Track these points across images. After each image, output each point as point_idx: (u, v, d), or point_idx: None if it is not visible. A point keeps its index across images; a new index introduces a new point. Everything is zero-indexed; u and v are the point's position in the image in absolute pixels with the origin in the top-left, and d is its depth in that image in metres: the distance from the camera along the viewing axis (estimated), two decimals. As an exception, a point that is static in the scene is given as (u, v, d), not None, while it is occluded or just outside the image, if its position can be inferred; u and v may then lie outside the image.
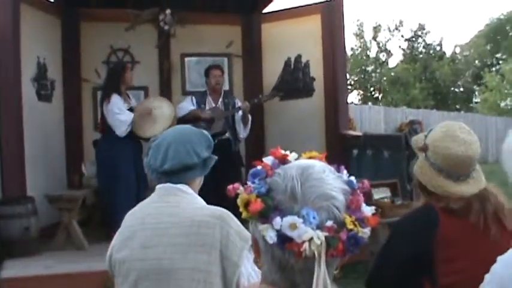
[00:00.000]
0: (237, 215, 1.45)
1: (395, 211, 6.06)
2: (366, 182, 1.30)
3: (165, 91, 8.64)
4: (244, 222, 1.37)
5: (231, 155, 7.34)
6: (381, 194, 6.47)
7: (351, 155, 7.78)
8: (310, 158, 1.35)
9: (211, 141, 2.42)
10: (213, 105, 7.55)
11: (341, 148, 7.88)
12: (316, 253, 1.15)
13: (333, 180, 1.25)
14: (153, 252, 2.16)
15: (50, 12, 7.85)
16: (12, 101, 6.59)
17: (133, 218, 2.33)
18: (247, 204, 1.23)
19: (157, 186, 2.35)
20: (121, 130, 6.79)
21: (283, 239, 1.17)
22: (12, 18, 6.59)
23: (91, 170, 7.26)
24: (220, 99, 7.62)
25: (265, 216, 1.20)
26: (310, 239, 1.16)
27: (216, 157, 2.41)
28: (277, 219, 1.18)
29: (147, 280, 2.16)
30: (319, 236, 1.16)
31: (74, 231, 6.64)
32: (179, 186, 2.30)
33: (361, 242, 1.20)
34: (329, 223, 1.18)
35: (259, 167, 1.29)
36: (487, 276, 1.85)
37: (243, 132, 7.62)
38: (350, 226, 1.19)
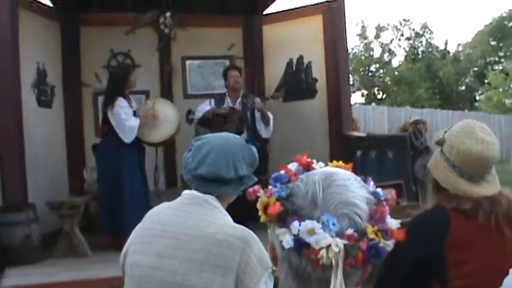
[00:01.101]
0: (253, 217, 1.41)
1: (400, 212, 5.99)
2: (393, 194, 1.24)
3: (166, 95, 8.58)
4: (262, 228, 1.31)
5: None
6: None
7: (355, 156, 7.72)
8: (336, 166, 1.30)
9: (256, 159, 2.30)
10: (231, 105, 7.50)
11: (345, 149, 7.82)
12: (333, 261, 1.10)
13: (357, 189, 1.20)
14: (168, 263, 2.07)
15: (49, 17, 7.79)
16: (12, 107, 6.53)
17: (153, 220, 2.23)
18: (266, 208, 1.20)
19: (184, 192, 2.25)
20: (129, 137, 6.68)
21: (300, 245, 1.13)
22: (11, 23, 6.53)
23: (92, 176, 7.20)
24: (239, 100, 7.56)
25: (283, 220, 1.17)
26: (328, 246, 1.11)
27: (256, 179, 2.26)
28: (295, 223, 1.14)
29: None
30: (338, 244, 1.11)
31: (76, 238, 6.58)
32: (207, 197, 2.19)
33: (383, 253, 1.14)
34: (349, 231, 1.13)
35: (282, 172, 1.26)
36: (505, 282, 1.78)
37: (265, 132, 7.52)
38: (371, 235, 1.14)
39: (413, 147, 6.94)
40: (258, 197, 1.24)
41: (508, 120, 24.66)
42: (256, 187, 1.27)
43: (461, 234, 2.28)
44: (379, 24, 37.52)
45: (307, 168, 1.27)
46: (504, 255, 2.26)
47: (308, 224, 1.13)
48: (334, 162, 1.32)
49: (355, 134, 8.33)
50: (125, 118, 6.64)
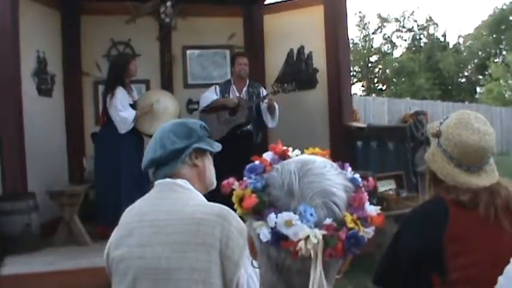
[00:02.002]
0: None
1: (400, 203, 6.00)
2: (371, 180, 1.21)
3: (167, 84, 8.57)
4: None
5: (252, 147, 7.15)
6: (386, 186, 6.41)
7: (355, 147, 7.72)
8: (312, 154, 1.26)
9: (191, 128, 2.32)
10: (237, 94, 7.45)
11: (345, 140, 7.82)
12: (312, 253, 1.07)
13: (334, 176, 1.16)
14: (151, 250, 2.09)
15: (49, 6, 7.77)
16: (12, 96, 6.52)
17: (131, 214, 2.26)
18: (241, 200, 1.16)
19: (156, 182, 2.29)
20: (123, 128, 6.70)
21: (278, 237, 1.09)
22: (11, 11, 6.51)
23: (92, 165, 7.20)
24: (245, 88, 7.51)
25: (259, 213, 1.13)
26: (307, 238, 1.07)
27: (208, 146, 2.34)
28: (272, 215, 1.10)
29: (145, 279, 2.09)
30: (316, 235, 1.07)
31: (75, 227, 6.59)
32: (178, 181, 2.23)
33: (362, 241, 1.11)
34: (328, 221, 1.10)
35: (257, 162, 1.21)
36: (500, 279, 1.78)
37: (271, 122, 7.49)
38: (350, 224, 1.11)
39: (414, 139, 6.93)
40: (233, 190, 1.20)
41: (509, 112, 24.63)
42: (231, 179, 1.22)
43: (460, 225, 2.27)
44: (380, 15, 37.41)
45: (283, 157, 1.24)
46: (503, 247, 2.26)
47: (285, 215, 1.09)
48: (311, 149, 1.28)
49: (356, 124, 8.32)
50: (121, 109, 6.66)
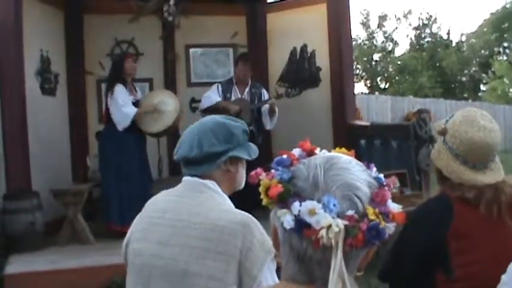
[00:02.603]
0: (257, 205, 1.39)
1: (404, 201, 5.99)
2: (394, 179, 1.24)
3: (170, 83, 8.59)
4: (267, 217, 1.30)
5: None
6: (390, 184, 6.39)
7: (359, 145, 7.71)
8: (339, 153, 1.31)
9: (232, 134, 2.22)
10: (239, 95, 7.43)
11: (348, 138, 7.81)
12: (333, 242, 1.10)
13: (358, 172, 1.21)
14: (170, 251, 2.06)
15: (52, 5, 7.77)
16: (16, 95, 6.52)
17: (154, 208, 2.22)
18: (267, 190, 1.20)
19: (184, 178, 2.23)
20: (122, 124, 6.72)
21: (301, 225, 1.13)
22: (15, 10, 6.50)
23: (96, 163, 7.21)
24: (247, 89, 7.49)
25: (284, 201, 1.17)
26: (329, 227, 1.11)
27: (247, 154, 2.26)
28: (296, 203, 1.14)
29: (161, 280, 2.07)
30: (338, 224, 1.11)
31: (79, 225, 6.60)
32: (207, 182, 2.17)
33: (383, 235, 1.14)
34: (350, 212, 1.13)
35: (284, 156, 1.26)
36: (503, 277, 1.78)
37: (269, 124, 7.51)
38: (372, 217, 1.14)
39: (417, 137, 6.91)
40: (260, 181, 1.24)
41: (512, 110, 24.56)
42: (259, 170, 1.28)
43: (464, 222, 2.27)
44: (383, 12, 37.37)
45: (310, 154, 1.28)
46: (507, 245, 2.26)
47: (309, 204, 1.13)
48: (337, 149, 1.32)
49: (359, 123, 8.32)
50: (122, 104, 6.68)
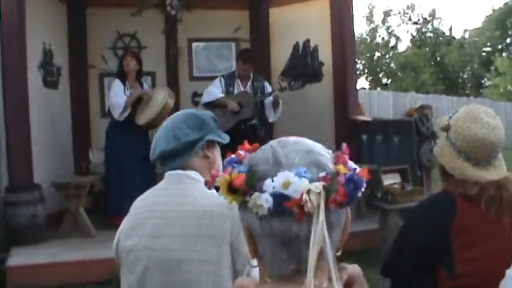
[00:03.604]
0: None
1: (405, 197, 6.00)
2: (345, 146, 1.22)
3: (172, 76, 8.60)
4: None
5: (258, 141, 7.11)
6: (391, 179, 6.39)
7: (361, 140, 7.72)
8: None
9: (204, 120, 2.30)
10: (242, 88, 7.40)
11: (350, 133, 7.82)
12: (315, 204, 1.06)
13: (311, 142, 1.20)
14: (162, 242, 2.10)
15: (55, -2, 7.77)
16: (19, 88, 6.52)
17: (142, 204, 2.26)
18: (230, 184, 1.14)
19: (166, 173, 2.28)
20: (116, 113, 6.87)
21: (280, 199, 1.07)
22: (18, 4, 6.50)
23: (98, 157, 7.22)
24: (249, 83, 7.45)
25: (252, 187, 1.11)
26: (308, 191, 1.07)
27: (220, 137, 2.34)
28: (268, 181, 1.09)
29: (156, 270, 2.10)
30: (317, 186, 1.07)
31: (81, 218, 6.61)
32: (189, 172, 2.23)
33: (361, 185, 1.12)
34: (322, 174, 1.10)
35: (232, 156, 1.22)
36: (508, 272, 1.78)
37: (273, 117, 7.46)
38: (344, 171, 1.12)
39: (419, 133, 6.90)
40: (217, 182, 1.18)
41: (514, 107, 24.53)
42: (214, 172, 1.22)
43: (467, 219, 2.27)
44: (388, 7, 37.31)
45: (253, 152, 1.24)
46: (510, 241, 2.26)
47: (280, 177, 1.08)
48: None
49: (361, 118, 8.32)
50: (113, 96, 6.90)
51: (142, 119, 6.82)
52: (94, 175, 7.20)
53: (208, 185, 1.26)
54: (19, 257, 5.78)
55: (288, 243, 1.12)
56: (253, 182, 1.12)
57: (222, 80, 7.39)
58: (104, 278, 5.40)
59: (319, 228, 1.06)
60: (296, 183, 1.07)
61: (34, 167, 6.66)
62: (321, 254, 1.07)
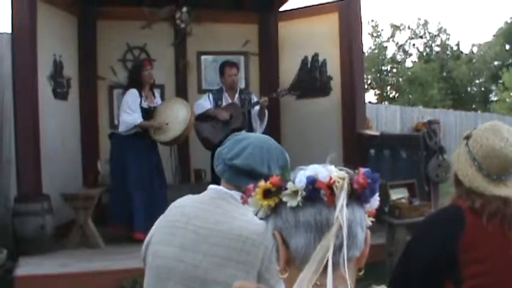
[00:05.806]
0: None
1: (413, 212, 6.00)
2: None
3: (181, 89, 8.63)
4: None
5: None
6: (399, 194, 6.39)
7: (368, 155, 7.71)
8: None
9: (287, 164, 2.22)
10: (230, 101, 7.47)
11: (358, 148, 7.83)
12: (340, 185, 1.19)
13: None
14: (192, 257, 2.07)
15: (66, 10, 7.83)
16: (29, 98, 6.57)
17: (178, 212, 2.22)
18: (266, 190, 1.28)
19: (210, 187, 2.24)
20: (123, 129, 6.85)
21: (311, 180, 1.20)
22: (29, 15, 6.57)
23: (106, 168, 7.25)
24: (237, 95, 7.51)
25: (287, 181, 1.24)
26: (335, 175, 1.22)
27: None
28: (300, 172, 1.24)
29: (179, 284, 2.07)
30: (342, 171, 1.24)
31: (89, 230, 6.62)
32: (233, 193, 2.16)
33: (377, 179, 1.25)
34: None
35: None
36: None
37: (259, 128, 7.50)
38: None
39: (427, 147, 6.90)
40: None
41: (522, 122, 24.48)
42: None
43: (475, 234, 2.27)
44: (395, 24, 37.32)
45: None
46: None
47: (311, 168, 1.25)
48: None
49: (369, 132, 8.32)
50: (127, 111, 6.81)
51: (166, 136, 6.87)
52: (102, 186, 7.22)
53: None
54: (27, 267, 5.79)
55: (320, 229, 1.20)
56: (288, 177, 1.25)
57: (210, 95, 7.50)
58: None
59: (343, 210, 1.18)
60: (323, 172, 1.22)
61: (43, 177, 6.69)
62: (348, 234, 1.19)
